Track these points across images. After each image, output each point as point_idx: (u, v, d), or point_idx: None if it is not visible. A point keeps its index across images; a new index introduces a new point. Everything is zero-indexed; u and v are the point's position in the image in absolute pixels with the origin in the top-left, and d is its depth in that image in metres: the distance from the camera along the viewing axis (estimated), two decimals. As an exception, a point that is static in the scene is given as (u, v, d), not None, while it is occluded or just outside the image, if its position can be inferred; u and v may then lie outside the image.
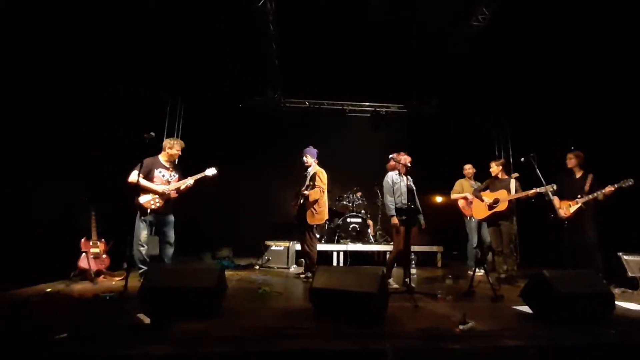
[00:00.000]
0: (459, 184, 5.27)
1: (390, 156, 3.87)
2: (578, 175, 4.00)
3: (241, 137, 7.20)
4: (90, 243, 3.83)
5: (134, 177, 3.51)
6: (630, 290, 3.47)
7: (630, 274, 3.68)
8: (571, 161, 4.05)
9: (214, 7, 4.75)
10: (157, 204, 3.58)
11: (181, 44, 5.41)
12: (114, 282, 3.63)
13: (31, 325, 1.94)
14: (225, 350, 1.65)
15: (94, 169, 4.30)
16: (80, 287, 3.28)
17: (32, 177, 3.56)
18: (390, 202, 3.68)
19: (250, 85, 6.83)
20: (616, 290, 3.43)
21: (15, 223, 3.32)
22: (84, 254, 3.73)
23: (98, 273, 3.74)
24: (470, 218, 5.03)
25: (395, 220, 3.61)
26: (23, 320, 2.09)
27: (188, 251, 5.94)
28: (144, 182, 3.57)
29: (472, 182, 5.13)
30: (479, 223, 4.92)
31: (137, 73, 5.23)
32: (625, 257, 3.80)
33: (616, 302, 2.64)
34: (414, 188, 3.77)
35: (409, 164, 3.77)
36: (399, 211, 3.64)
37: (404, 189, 3.65)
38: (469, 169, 5.24)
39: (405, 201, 3.60)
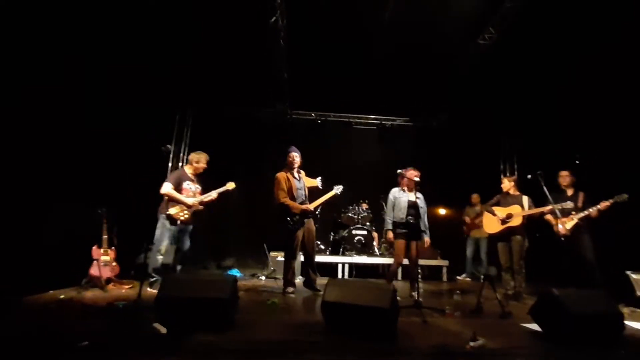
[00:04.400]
0: (466, 209, 6.38)
1: (398, 171, 3.97)
2: (570, 193, 4.09)
3: (248, 148, 7.27)
4: (101, 251, 3.88)
5: (166, 188, 3.67)
6: (639, 310, 3.45)
7: (639, 293, 3.67)
8: (566, 179, 4.15)
9: (227, 22, 4.90)
10: (186, 216, 3.72)
11: (192, 55, 5.55)
12: (123, 290, 3.67)
13: (53, 333, 1.98)
14: (241, 362, 1.68)
15: (106, 177, 4.39)
16: (91, 294, 3.33)
17: (45, 186, 3.64)
18: (388, 217, 3.89)
19: (259, 97, 6.95)
20: (625, 310, 3.41)
21: (26, 230, 3.39)
22: (95, 261, 3.78)
23: (108, 281, 3.78)
24: (467, 236, 6.22)
25: (390, 234, 3.81)
26: (45, 327, 2.13)
27: (193, 261, 5.97)
28: (175, 194, 3.73)
29: (477, 207, 6.12)
30: (474, 240, 6.08)
31: (149, 84, 5.39)
32: (633, 275, 3.79)
33: (625, 322, 2.66)
34: (421, 205, 3.86)
35: (415, 179, 3.83)
36: (397, 225, 3.80)
37: (404, 205, 3.80)
38: (473, 198, 6.25)
39: (403, 216, 3.74)
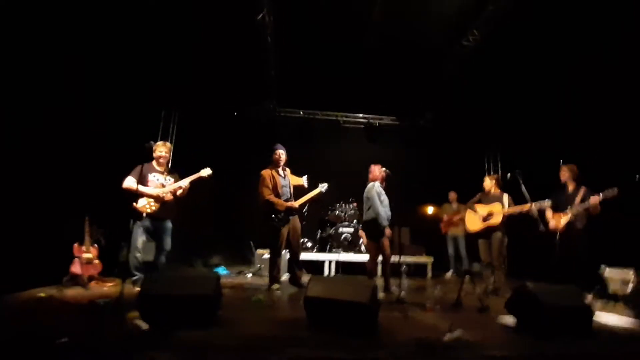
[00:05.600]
0: (442, 207, 6.51)
1: (384, 168, 4.04)
2: (571, 188, 4.00)
3: (235, 146, 7.24)
4: (83, 248, 3.82)
5: (128, 182, 3.57)
6: (612, 303, 3.59)
7: (611, 287, 3.82)
8: (564, 175, 4.06)
9: (214, 18, 4.87)
10: (153, 208, 3.62)
11: (179, 52, 5.51)
12: (106, 288, 3.63)
13: (31, 331, 1.96)
14: (226, 357, 1.70)
15: (88, 173, 4.31)
16: (73, 292, 3.28)
17: (23, 181, 3.55)
18: (383, 212, 3.87)
19: (246, 94, 6.92)
20: (598, 303, 3.56)
21: (5, 227, 3.31)
22: (76, 259, 3.72)
23: (90, 278, 3.73)
24: (445, 234, 6.32)
25: (389, 231, 3.82)
26: (23, 325, 2.10)
27: (179, 259, 5.93)
28: (140, 188, 3.60)
29: (454, 205, 6.29)
30: (453, 238, 6.17)
31: (133, 80, 5.32)
32: (607, 270, 3.95)
33: (597, 314, 2.78)
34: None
35: (385, 175, 4.03)
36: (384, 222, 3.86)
37: (387, 202, 3.88)
38: (452, 196, 6.39)
39: (390, 214, 3.80)
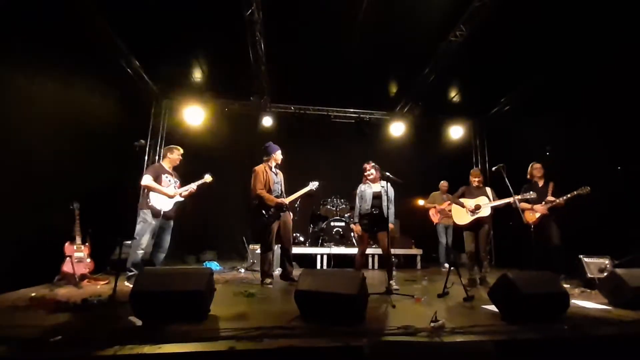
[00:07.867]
0: (432, 196, 6.44)
1: (370, 169, 4.12)
2: (541, 183, 4.44)
3: (226, 141, 7.23)
4: (74, 247, 3.83)
5: (147, 180, 3.74)
6: (588, 290, 3.77)
7: (589, 275, 4.01)
8: (540, 171, 4.50)
9: (204, 13, 4.84)
10: (169, 208, 3.81)
11: (169, 46, 5.47)
12: (99, 286, 3.65)
13: (24, 329, 1.98)
14: (216, 349, 1.76)
15: (78, 171, 4.28)
16: (65, 291, 3.30)
17: (15, 181, 3.52)
18: (356, 210, 4.02)
19: (237, 90, 6.90)
20: (576, 290, 3.74)
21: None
22: (67, 258, 3.72)
23: (82, 277, 3.74)
24: (436, 224, 6.21)
25: (355, 227, 3.96)
26: (15, 324, 2.13)
27: (172, 255, 5.94)
28: (156, 186, 3.78)
29: (444, 195, 6.13)
30: (445, 227, 6.09)
31: (123, 74, 5.27)
32: (585, 259, 4.13)
33: (574, 301, 2.93)
34: (386, 195, 3.87)
35: (365, 173, 4.04)
36: (361, 217, 3.93)
37: (368, 197, 3.92)
38: (444, 185, 6.33)
39: (368, 207, 3.88)
